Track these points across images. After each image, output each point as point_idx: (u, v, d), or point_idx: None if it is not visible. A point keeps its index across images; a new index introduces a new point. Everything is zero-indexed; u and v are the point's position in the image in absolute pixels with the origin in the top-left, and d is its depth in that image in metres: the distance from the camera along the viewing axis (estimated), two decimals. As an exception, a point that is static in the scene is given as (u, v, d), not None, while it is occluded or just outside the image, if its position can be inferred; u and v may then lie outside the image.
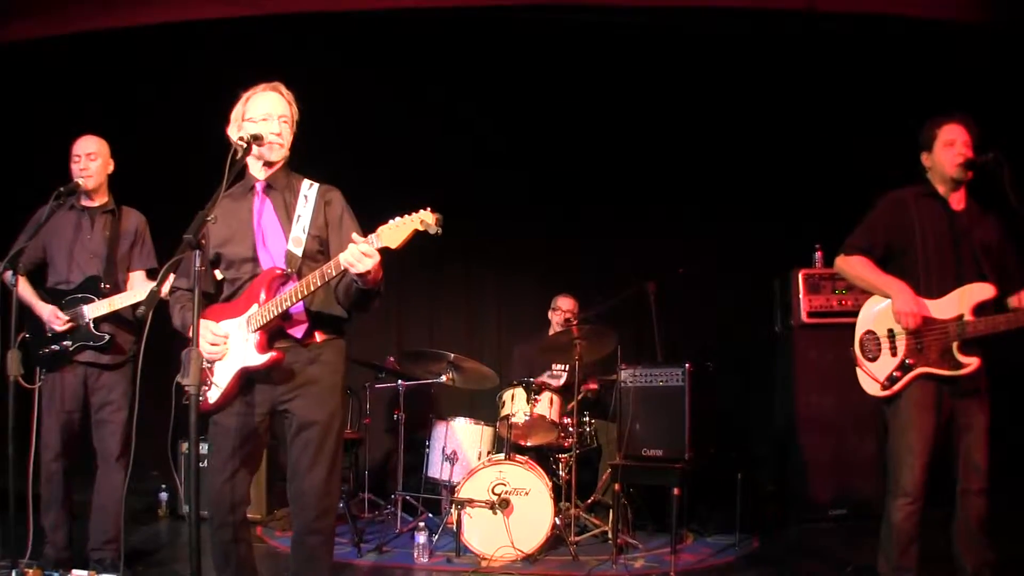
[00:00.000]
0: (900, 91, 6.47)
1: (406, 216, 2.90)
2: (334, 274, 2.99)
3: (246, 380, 3.18)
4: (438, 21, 6.78)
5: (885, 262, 3.78)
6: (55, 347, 4.23)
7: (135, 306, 4.23)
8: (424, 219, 2.85)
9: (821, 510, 5.84)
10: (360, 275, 2.93)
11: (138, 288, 4.36)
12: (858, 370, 3.81)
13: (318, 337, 3.23)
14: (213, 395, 3.19)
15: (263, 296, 3.13)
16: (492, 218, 7.21)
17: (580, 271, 7.13)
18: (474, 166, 7.20)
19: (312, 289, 3.04)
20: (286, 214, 3.26)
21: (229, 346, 3.16)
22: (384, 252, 2.93)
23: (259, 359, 3.13)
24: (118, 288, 4.35)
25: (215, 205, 2.96)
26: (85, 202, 4.39)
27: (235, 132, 3.26)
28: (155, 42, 6.62)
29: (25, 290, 4.20)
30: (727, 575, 4.85)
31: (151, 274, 4.48)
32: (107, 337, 4.26)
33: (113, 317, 4.28)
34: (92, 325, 4.24)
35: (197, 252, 2.81)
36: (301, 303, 3.16)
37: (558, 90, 7.06)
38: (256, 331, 3.13)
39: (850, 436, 5.86)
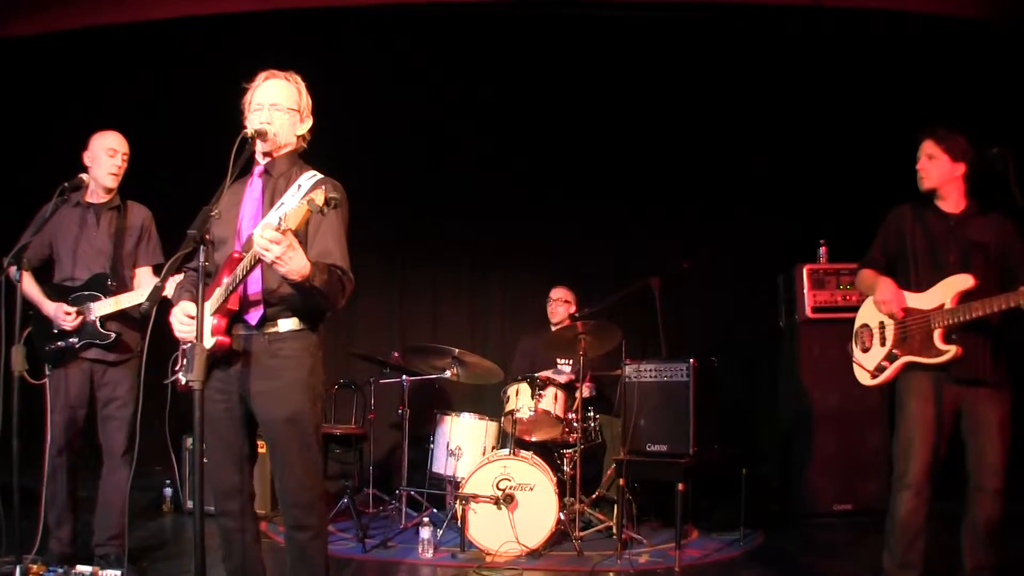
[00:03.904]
0: (904, 87, 6.47)
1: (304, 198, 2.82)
2: (252, 264, 2.91)
3: (212, 364, 3.08)
4: (440, 18, 6.77)
5: (891, 272, 3.88)
6: (61, 343, 4.23)
7: (140, 303, 4.23)
8: (313, 198, 2.74)
9: (825, 505, 5.84)
10: (275, 264, 2.80)
11: (144, 285, 4.35)
12: (853, 363, 3.96)
13: (282, 327, 3.11)
14: (183, 378, 3.18)
15: (225, 279, 3.08)
16: (496, 214, 7.22)
17: (584, 267, 7.12)
18: (478, 162, 7.21)
19: (243, 273, 2.97)
20: (271, 200, 3.17)
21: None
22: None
23: (209, 342, 3.02)
24: (125, 285, 4.35)
25: (219, 200, 2.95)
26: (90, 198, 4.37)
27: (245, 119, 3.23)
28: (160, 37, 6.63)
29: (30, 286, 4.19)
30: (731, 570, 4.86)
31: (157, 270, 4.45)
32: (113, 336, 4.25)
33: (119, 315, 4.26)
34: (98, 323, 4.24)
35: (201, 247, 2.80)
36: (259, 288, 3.09)
37: (562, 87, 7.06)
38: (214, 314, 3.07)
39: (855, 431, 5.85)
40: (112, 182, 4.35)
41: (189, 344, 3.01)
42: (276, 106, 3.20)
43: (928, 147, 3.75)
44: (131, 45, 6.67)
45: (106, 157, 4.32)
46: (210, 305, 3.09)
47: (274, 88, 3.23)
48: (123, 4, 6.50)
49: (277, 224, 2.76)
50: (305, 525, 3.15)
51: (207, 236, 2.84)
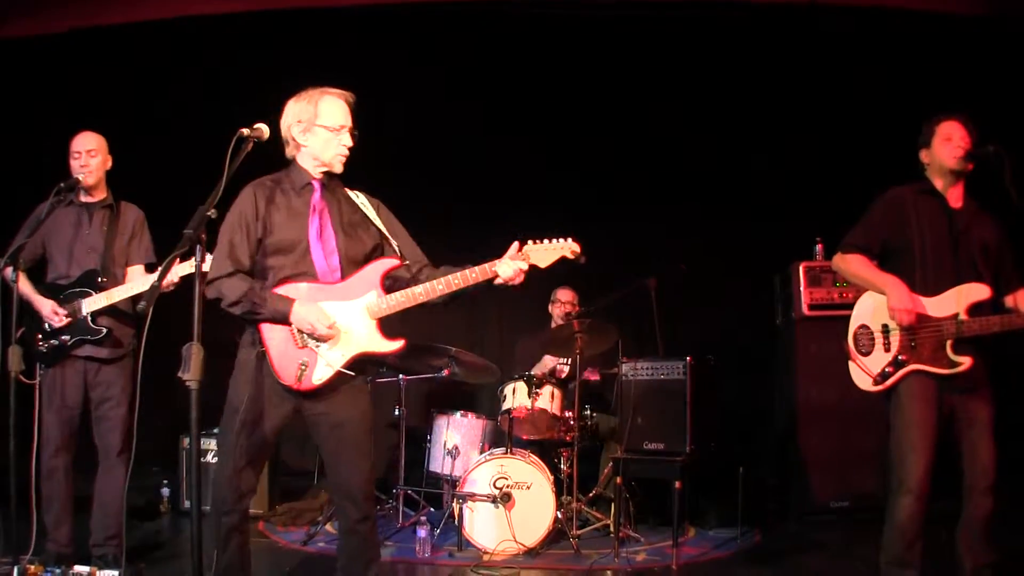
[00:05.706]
0: (900, 85, 6.47)
1: (555, 241, 3.43)
2: (480, 280, 3.41)
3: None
4: (438, 15, 6.77)
5: (882, 260, 3.78)
6: (54, 342, 4.22)
7: (135, 300, 4.22)
8: (572, 248, 3.42)
9: (823, 503, 5.83)
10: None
11: (136, 282, 4.35)
12: (850, 363, 3.83)
13: None
14: (320, 375, 3.23)
15: (379, 285, 3.32)
16: (493, 212, 7.20)
17: (581, 266, 7.10)
18: (476, 160, 7.19)
19: (452, 289, 3.41)
20: (338, 212, 3.40)
21: (345, 328, 3.25)
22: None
23: (389, 346, 3.31)
24: (116, 282, 4.35)
25: (216, 200, 2.94)
26: (84, 198, 4.39)
27: (298, 130, 3.34)
28: (155, 37, 6.61)
29: (24, 286, 4.19)
30: (728, 568, 4.86)
31: (149, 268, 4.48)
32: (104, 331, 4.25)
33: (111, 311, 4.27)
34: (90, 319, 4.23)
35: (199, 247, 2.81)
36: None
37: (560, 85, 7.05)
38: (376, 319, 3.28)
39: (852, 429, 5.83)
40: (88, 180, 4.33)
41: (186, 346, 2.93)
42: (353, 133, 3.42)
43: (969, 129, 3.65)
44: (130, 45, 6.65)
45: (72, 159, 4.35)
46: (369, 308, 3.31)
47: (348, 111, 3.42)
48: (119, 6, 6.49)
49: (523, 255, 3.42)
50: (369, 515, 3.36)
51: (203, 236, 2.84)
